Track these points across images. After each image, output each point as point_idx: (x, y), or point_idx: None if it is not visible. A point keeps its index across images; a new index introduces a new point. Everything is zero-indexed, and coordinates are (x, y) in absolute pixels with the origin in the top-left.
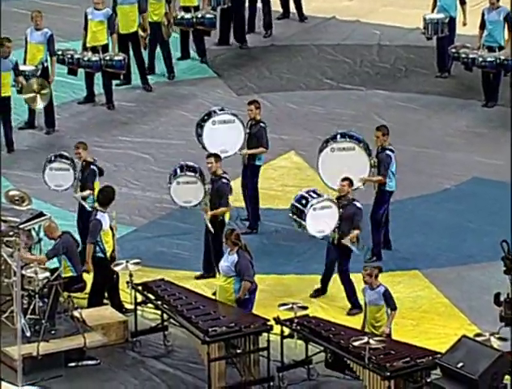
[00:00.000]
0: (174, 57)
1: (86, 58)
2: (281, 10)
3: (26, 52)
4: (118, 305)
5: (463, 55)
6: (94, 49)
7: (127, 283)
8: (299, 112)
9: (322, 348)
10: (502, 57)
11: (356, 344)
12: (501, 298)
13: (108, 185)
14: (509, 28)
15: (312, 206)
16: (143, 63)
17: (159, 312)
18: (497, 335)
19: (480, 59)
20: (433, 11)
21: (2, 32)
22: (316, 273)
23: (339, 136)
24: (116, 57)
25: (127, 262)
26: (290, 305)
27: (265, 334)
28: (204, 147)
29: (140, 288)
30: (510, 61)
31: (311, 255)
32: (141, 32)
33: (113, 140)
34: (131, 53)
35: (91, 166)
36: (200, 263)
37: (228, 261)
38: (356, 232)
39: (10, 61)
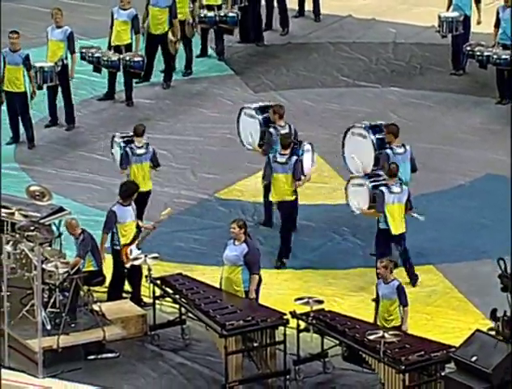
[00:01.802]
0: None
1: (106, 57)
2: (297, 8)
3: (47, 49)
4: (137, 299)
5: (478, 53)
6: (118, 48)
7: (146, 277)
8: (315, 109)
9: (337, 342)
10: None
11: (371, 337)
12: (498, 314)
13: (132, 181)
14: None
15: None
16: (170, 65)
17: (177, 306)
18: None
19: (495, 57)
20: (448, 10)
21: (26, 30)
22: (331, 268)
23: (364, 124)
24: (135, 58)
25: (146, 256)
26: (306, 300)
27: (281, 328)
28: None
29: (158, 282)
30: None
31: (327, 249)
32: (171, 37)
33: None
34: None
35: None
36: (218, 257)
37: (236, 250)
38: None
39: (20, 56)
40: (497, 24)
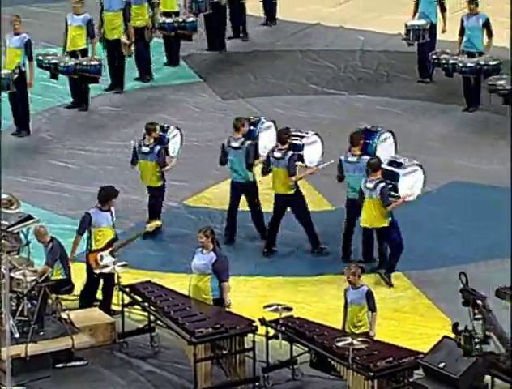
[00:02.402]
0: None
1: (62, 63)
2: (264, 16)
3: (6, 56)
4: (107, 307)
5: (444, 61)
6: (73, 54)
7: (115, 285)
8: (283, 116)
9: (306, 349)
10: (482, 63)
11: (339, 344)
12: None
13: (111, 186)
14: (487, 34)
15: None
16: (122, 70)
17: (146, 313)
18: (478, 335)
19: (460, 65)
20: (413, 18)
21: None
22: (300, 275)
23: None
24: (91, 62)
25: (114, 264)
26: (275, 307)
27: (250, 335)
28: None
29: (127, 289)
30: (490, 67)
31: (295, 256)
32: (124, 39)
33: (100, 144)
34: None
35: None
36: (187, 265)
37: (204, 259)
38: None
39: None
40: (462, 32)
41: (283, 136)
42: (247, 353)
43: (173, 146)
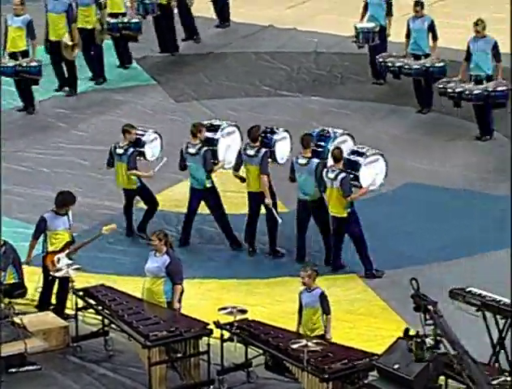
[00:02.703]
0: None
1: (2, 64)
2: (217, 18)
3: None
4: (61, 311)
5: (390, 64)
6: (14, 55)
7: (69, 289)
8: (237, 118)
9: (261, 351)
10: (428, 64)
11: (294, 346)
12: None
13: (69, 191)
14: (433, 37)
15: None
16: (73, 71)
17: (100, 317)
18: (431, 337)
19: (406, 67)
20: (362, 20)
21: None
22: (254, 277)
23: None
24: (31, 63)
25: (68, 267)
26: (229, 309)
27: (205, 338)
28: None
29: (81, 293)
30: (436, 69)
31: (250, 258)
32: (67, 41)
33: (51, 147)
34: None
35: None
36: (141, 268)
37: (157, 262)
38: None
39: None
40: (408, 35)
41: (255, 134)
42: (202, 356)
43: (152, 150)
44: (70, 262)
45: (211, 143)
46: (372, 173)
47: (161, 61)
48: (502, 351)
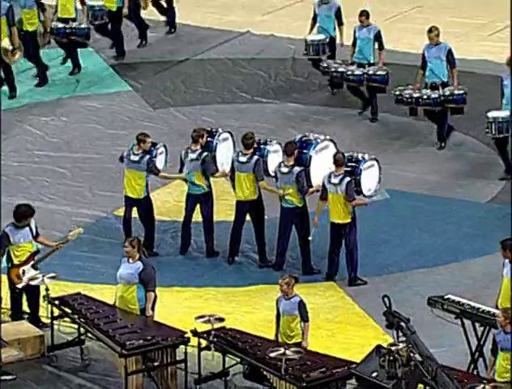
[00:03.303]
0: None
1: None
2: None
3: None
4: (35, 320)
5: (333, 69)
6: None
7: (43, 297)
8: (214, 125)
9: (238, 360)
10: (370, 72)
11: (272, 355)
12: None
13: (27, 204)
14: (379, 46)
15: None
16: (10, 77)
17: (75, 326)
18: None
19: (349, 73)
20: (310, 32)
21: None
22: (232, 285)
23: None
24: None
25: (43, 276)
26: (207, 318)
27: (182, 346)
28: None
29: (57, 302)
30: (380, 77)
31: (227, 267)
32: (7, 46)
33: (28, 155)
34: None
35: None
36: (115, 277)
37: (130, 269)
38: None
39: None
40: (354, 43)
41: (248, 141)
42: (179, 365)
43: (159, 163)
44: (36, 272)
45: (210, 148)
46: (371, 179)
47: (138, 67)
48: (481, 358)
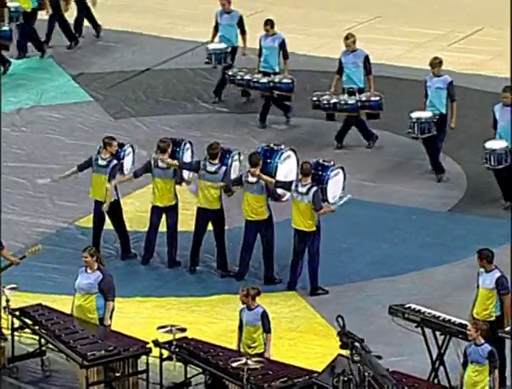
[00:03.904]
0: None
1: None
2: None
3: None
4: None
5: (238, 77)
6: None
7: (4, 308)
8: (176, 135)
9: (200, 370)
10: (276, 80)
11: (234, 364)
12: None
13: None
14: (283, 55)
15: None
16: None
17: (36, 337)
18: (372, 354)
19: (254, 80)
20: (212, 40)
21: None
22: (193, 295)
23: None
24: None
25: (3, 287)
26: (168, 328)
27: (144, 356)
28: None
29: (17, 313)
30: (285, 85)
31: (189, 277)
32: None
33: None
34: None
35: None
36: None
37: (89, 278)
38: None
39: None
40: (260, 52)
41: (214, 151)
42: (141, 375)
43: (127, 163)
44: None
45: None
46: (336, 186)
47: (98, 77)
48: (441, 367)
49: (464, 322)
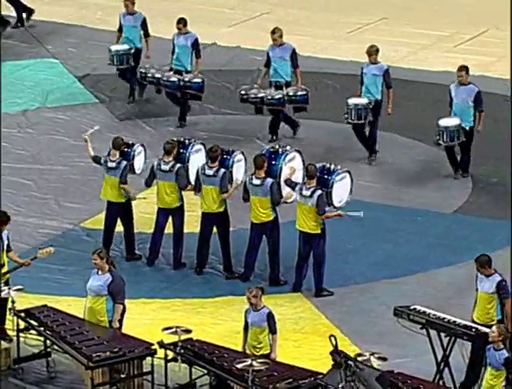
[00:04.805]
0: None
1: None
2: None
3: None
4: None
5: (150, 75)
6: None
7: (9, 309)
8: (181, 137)
9: (205, 371)
10: (186, 79)
11: (239, 366)
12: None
13: (3, 211)
14: (196, 54)
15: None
16: None
17: (42, 338)
18: (376, 355)
19: (165, 78)
20: (117, 42)
21: None
22: (199, 296)
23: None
24: None
25: (9, 288)
26: (174, 329)
27: (149, 358)
28: None
29: (23, 314)
30: (196, 84)
31: (194, 278)
32: None
33: None
34: None
35: None
36: (84, 288)
37: (99, 280)
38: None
39: None
40: (173, 51)
41: (213, 154)
42: (146, 377)
43: (138, 163)
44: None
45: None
46: (342, 190)
47: (104, 79)
48: (446, 368)
49: (469, 323)
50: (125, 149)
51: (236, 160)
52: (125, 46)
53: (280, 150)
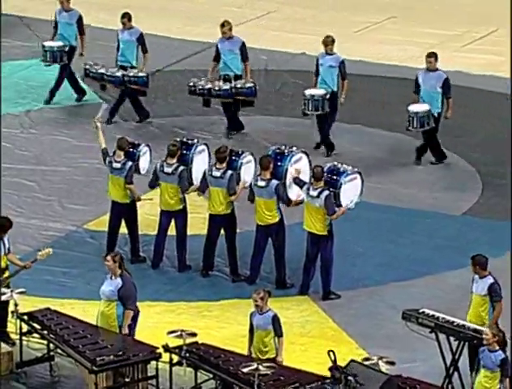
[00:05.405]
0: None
1: None
2: None
3: None
4: (3, 336)
5: (93, 70)
6: None
7: (12, 312)
8: (186, 137)
9: (211, 375)
10: (130, 74)
11: (245, 370)
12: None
13: (3, 216)
14: (142, 49)
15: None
16: None
17: (45, 342)
18: (384, 359)
19: (109, 74)
20: (52, 39)
21: None
22: (204, 299)
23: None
24: None
25: (12, 291)
26: (179, 333)
27: (153, 362)
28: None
29: (25, 317)
30: (139, 79)
31: (199, 281)
32: None
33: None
34: None
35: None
36: (88, 291)
37: (111, 285)
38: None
39: None
40: (118, 47)
41: (221, 155)
42: (150, 381)
43: (143, 163)
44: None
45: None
46: (352, 191)
47: None
48: (455, 373)
49: (479, 327)
50: (131, 149)
51: (245, 161)
52: (59, 43)
53: (286, 151)
